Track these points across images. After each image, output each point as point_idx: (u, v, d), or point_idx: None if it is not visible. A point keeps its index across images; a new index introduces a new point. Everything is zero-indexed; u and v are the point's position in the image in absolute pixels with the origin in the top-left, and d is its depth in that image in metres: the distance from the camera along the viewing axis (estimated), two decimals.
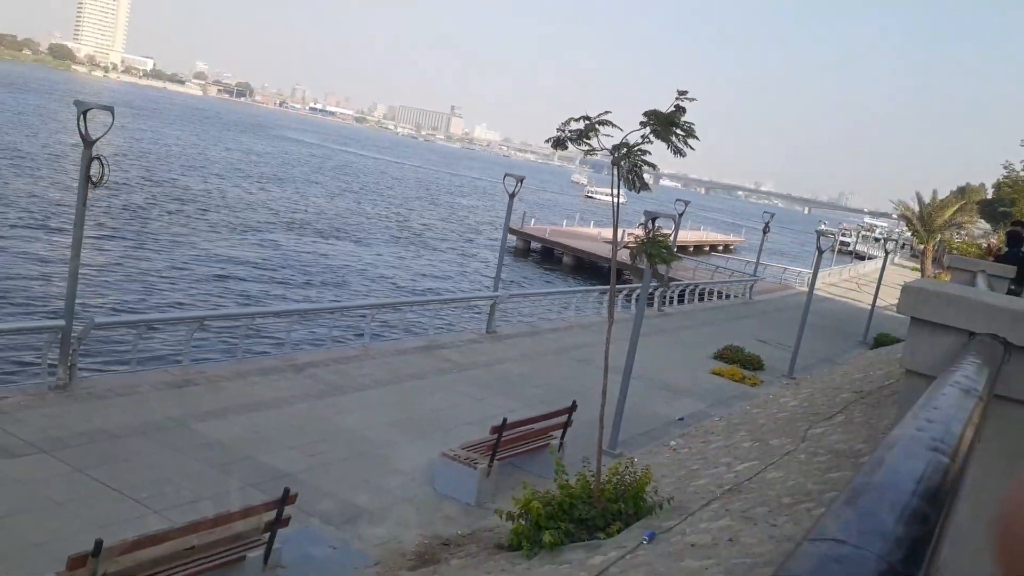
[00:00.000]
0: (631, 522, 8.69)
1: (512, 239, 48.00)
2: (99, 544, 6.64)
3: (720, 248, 72.16)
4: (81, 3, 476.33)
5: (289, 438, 12.10)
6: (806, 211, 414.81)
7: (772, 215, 37.42)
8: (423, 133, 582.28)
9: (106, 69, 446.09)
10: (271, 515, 8.23)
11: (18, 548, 8.12)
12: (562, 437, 12.48)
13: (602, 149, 9.59)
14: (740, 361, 22.07)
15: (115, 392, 12.66)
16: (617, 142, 9.52)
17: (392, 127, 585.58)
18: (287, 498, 8.27)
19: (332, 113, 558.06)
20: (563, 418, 12.40)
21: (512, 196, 20.96)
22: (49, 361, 12.79)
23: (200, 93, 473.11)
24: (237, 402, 13.18)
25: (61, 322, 12.75)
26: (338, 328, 19.70)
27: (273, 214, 50.87)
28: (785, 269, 52.50)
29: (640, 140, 9.48)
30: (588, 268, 46.65)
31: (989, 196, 65.38)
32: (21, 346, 16.52)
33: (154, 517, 8.91)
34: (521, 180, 20.79)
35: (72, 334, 12.63)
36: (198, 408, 12.61)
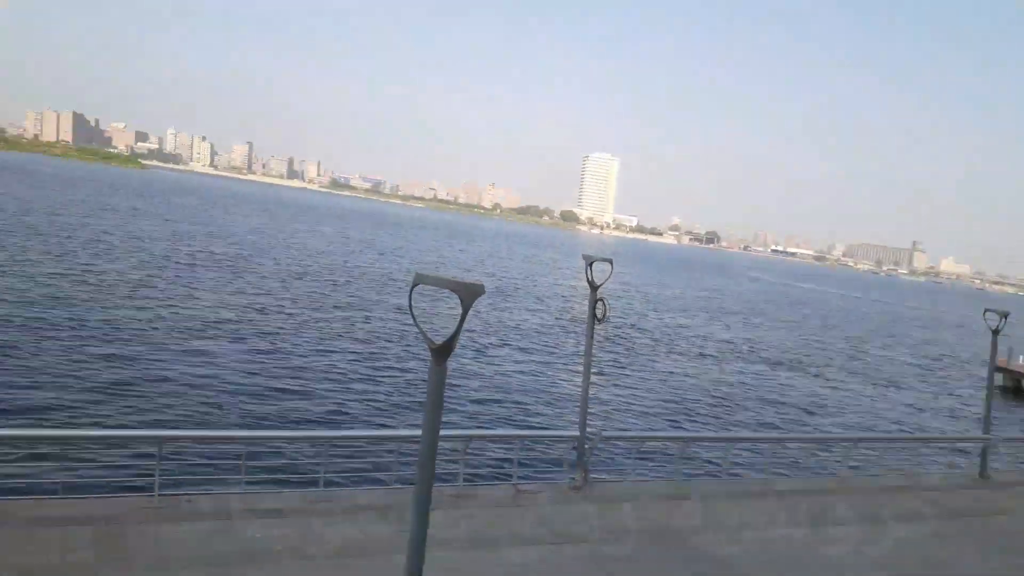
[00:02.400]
0: None
1: (998, 376, 40.77)
2: None
3: None
4: (583, 177, 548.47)
5: (775, 566, 11.24)
6: None
7: None
8: (884, 268, 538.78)
9: (601, 227, 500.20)
10: None
11: None
12: None
13: None
14: None
15: (621, 498, 13.12)
16: None
17: (851, 264, 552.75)
18: None
19: (792, 254, 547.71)
20: None
21: (996, 332, 17.78)
22: (568, 465, 13.88)
23: (675, 242, 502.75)
24: (727, 522, 12.70)
25: (576, 432, 13.78)
26: (811, 458, 18.27)
27: (731, 345, 50.52)
28: None
29: None
30: None
31: None
32: (544, 450, 18.29)
33: None
34: (1005, 316, 17.61)
35: (585, 444, 13.56)
36: (691, 522, 12.45)
